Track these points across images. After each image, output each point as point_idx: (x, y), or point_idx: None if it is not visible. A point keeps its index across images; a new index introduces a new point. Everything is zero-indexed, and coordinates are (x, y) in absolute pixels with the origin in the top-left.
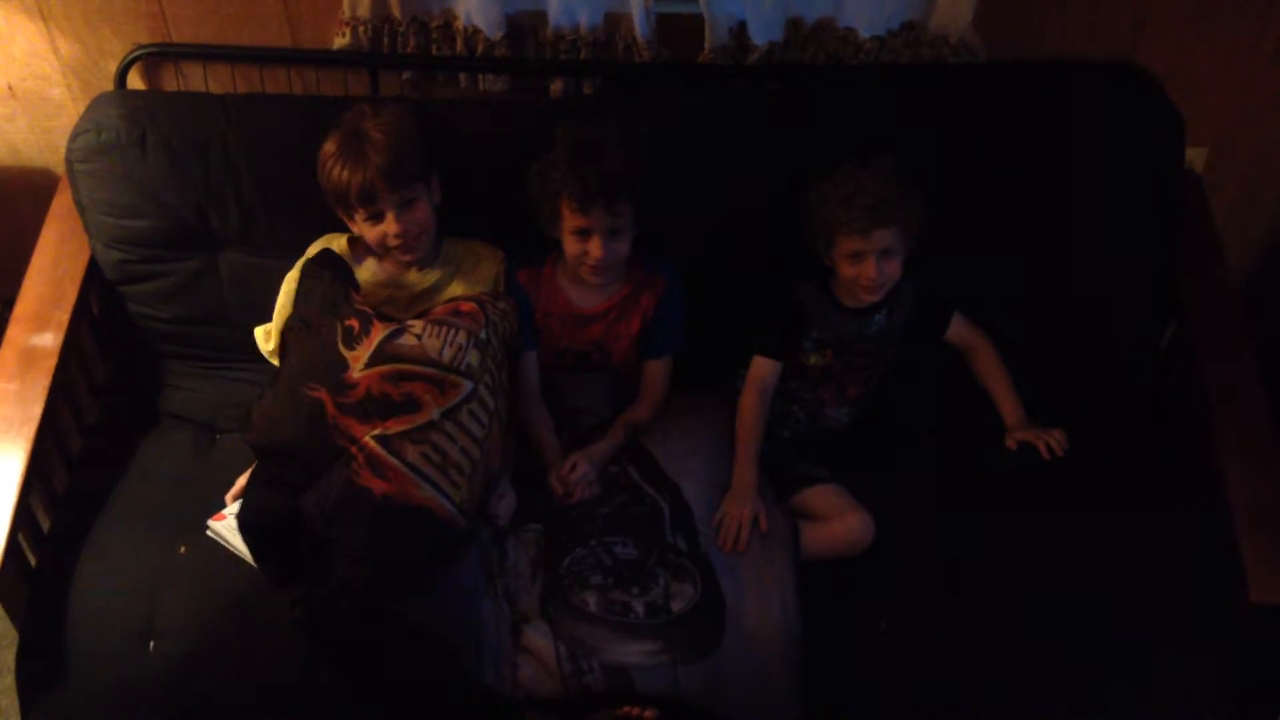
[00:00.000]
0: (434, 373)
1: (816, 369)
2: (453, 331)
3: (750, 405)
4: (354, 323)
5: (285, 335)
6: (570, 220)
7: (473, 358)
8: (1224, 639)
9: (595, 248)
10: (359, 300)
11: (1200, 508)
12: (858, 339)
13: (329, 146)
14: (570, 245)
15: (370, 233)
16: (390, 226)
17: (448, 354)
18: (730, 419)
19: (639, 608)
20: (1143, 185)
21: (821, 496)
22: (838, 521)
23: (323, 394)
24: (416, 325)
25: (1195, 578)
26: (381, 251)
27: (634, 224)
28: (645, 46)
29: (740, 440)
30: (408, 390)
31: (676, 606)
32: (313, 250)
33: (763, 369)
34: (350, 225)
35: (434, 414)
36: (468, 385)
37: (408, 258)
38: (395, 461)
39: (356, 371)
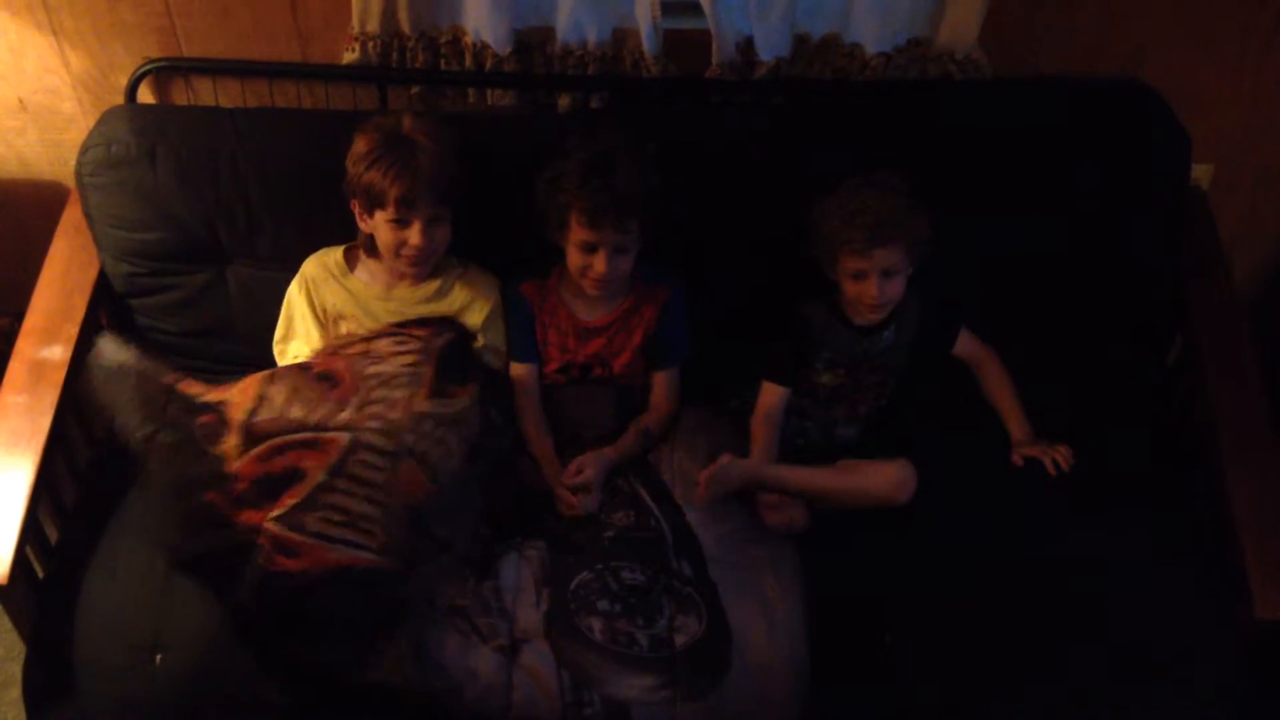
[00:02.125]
0: (306, 435)
1: (828, 388)
2: (316, 399)
3: (765, 436)
4: (208, 419)
5: (143, 452)
6: (578, 233)
7: (344, 414)
8: (1224, 649)
9: (599, 263)
10: (194, 387)
11: (1205, 524)
12: (867, 357)
13: (361, 146)
14: (574, 257)
15: (388, 235)
16: (414, 238)
17: (315, 416)
18: (736, 438)
19: (643, 640)
20: (1148, 202)
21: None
22: (873, 466)
23: (213, 496)
24: (279, 395)
25: (1198, 593)
26: (387, 255)
27: (639, 240)
28: (653, 62)
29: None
30: (286, 463)
31: (680, 641)
32: (308, 265)
33: (772, 395)
34: (363, 223)
35: (321, 476)
36: (346, 437)
37: (413, 270)
38: (299, 536)
39: (234, 462)
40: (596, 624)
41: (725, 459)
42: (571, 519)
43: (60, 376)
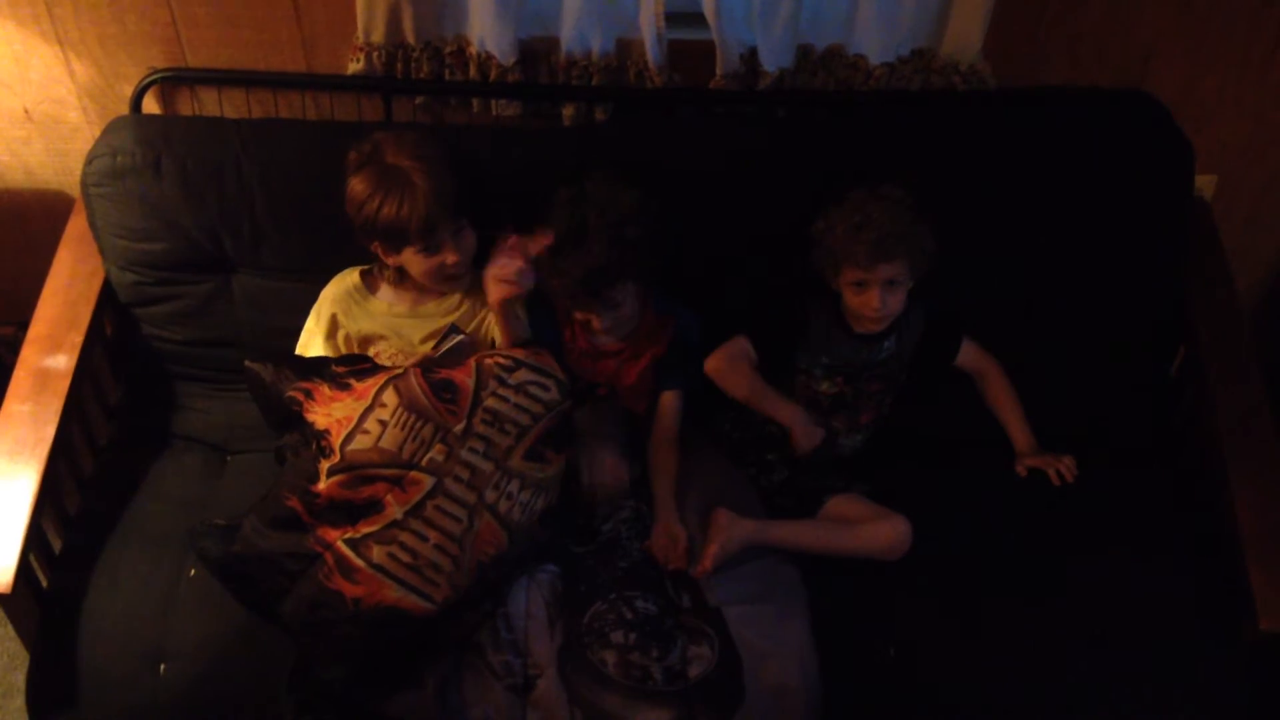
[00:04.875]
0: (392, 472)
1: (829, 397)
2: (420, 423)
3: (742, 369)
4: (324, 443)
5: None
6: (568, 305)
7: (436, 452)
8: (1230, 665)
9: (595, 322)
10: (309, 408)
11: (1209, 535)
12: (868, 365)
13: (360, 185)
14: (578, 316)
15: (423, 264)
16: (449, 256)
17: (408, 450)
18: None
19: (657, 673)
20: (1152, 212)
21: (847, 504)
22: (870, 526)
23: (295, 503)
24: (387, 408)
25: (1203, 604)
26: (427, 281)
27: (636, 289)
28: (657, 72)
29: (765, 395)
30: (368, 493)
31: (694, 672)
32: (328, 292)
33: (741, 346)
34: (387, 259)
35: (397, 513)
36: (430, 481)
37: (458, 286)
38: (361, 563)
39: (321, 482)
40: (610, 657)
41: (721, 519)
42: (587, 545)
43: (64, 385)
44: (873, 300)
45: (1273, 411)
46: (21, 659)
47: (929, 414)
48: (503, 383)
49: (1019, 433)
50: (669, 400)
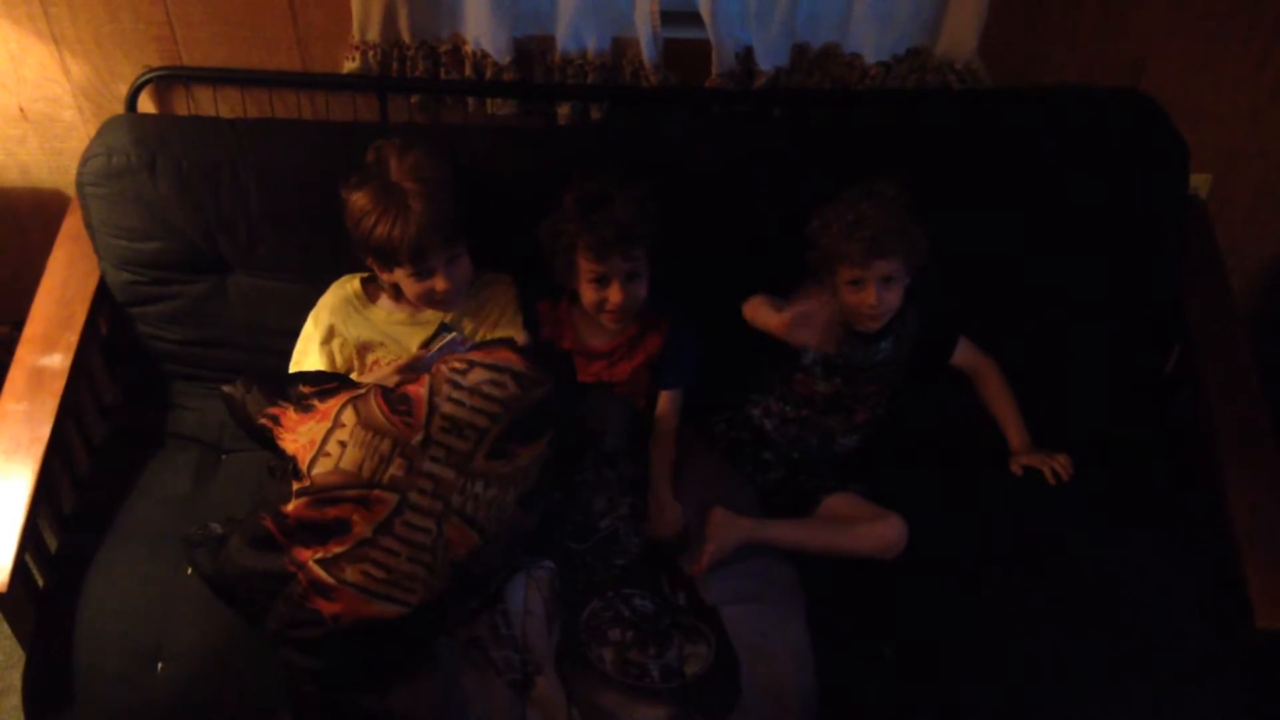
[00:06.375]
0: (355, 493)
1: (825, 396)
2: (378, 439)
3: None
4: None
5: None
6: (587, 269)
7: (396, 468)
8: (1227, 662)
9: (614, 293)
10: (278, 433)
11: (1205, 533)
12: (864, 365)
13: (361, 200)
14: (589, 294)
15: (413, 287)
16: (439, 284)
17: (367, 468)
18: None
19: (655, 671)
20: (1147, 211)
21: (843, 503)
22: (866, 525)
23: (269, 523)
24: (345, 428)
25: (1199, 603)
26: (418, 302)
27: (648, 265)
28: (652, 71)
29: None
30: (334, 514)
31: (690, 670)
32: (327, 297)
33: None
34: (383, 275)
35: (366, 531)
36: (394, 499)
37: (448, 310)
38: (335, 582)
39: (290, 503)
40: (608, 654)
41: (718, 518)
42: (585, 542)
43: (60, 385)
44: (869, 297)
45: (1268, 410)
46: (17, 658)
47: (925, 413)
48: (457, 386)
49: (1014, 431)
50: (667, 399)
